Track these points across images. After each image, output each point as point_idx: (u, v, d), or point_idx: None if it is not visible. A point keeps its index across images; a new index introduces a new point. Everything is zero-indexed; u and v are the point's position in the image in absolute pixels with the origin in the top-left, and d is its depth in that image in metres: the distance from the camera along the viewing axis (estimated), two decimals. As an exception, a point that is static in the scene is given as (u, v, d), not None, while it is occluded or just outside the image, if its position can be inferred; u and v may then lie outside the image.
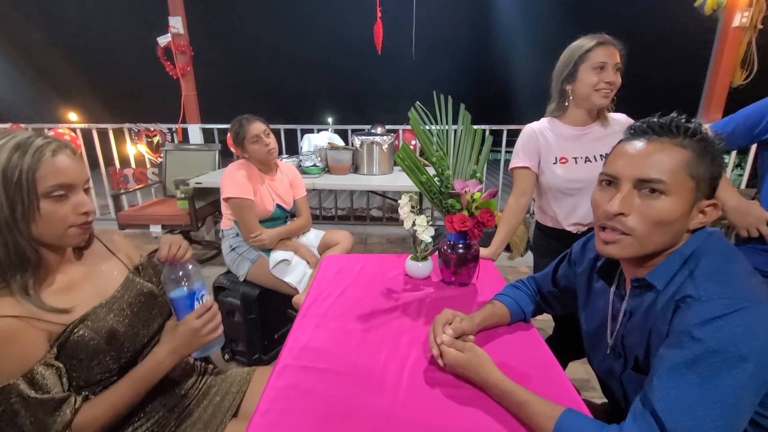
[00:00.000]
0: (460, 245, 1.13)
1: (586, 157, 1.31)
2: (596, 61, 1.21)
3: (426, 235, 1.16)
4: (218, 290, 1.84)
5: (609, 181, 0.70)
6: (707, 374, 0.55)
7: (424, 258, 1.22)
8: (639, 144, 0.67)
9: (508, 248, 3.42)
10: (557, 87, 1.34)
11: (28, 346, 0.67)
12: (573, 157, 1.31)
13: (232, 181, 1.71)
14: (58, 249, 0.77)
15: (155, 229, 3.46)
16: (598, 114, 1.34)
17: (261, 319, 1.79)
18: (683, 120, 0.67)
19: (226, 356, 1.91)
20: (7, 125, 3.58)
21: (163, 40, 3.24)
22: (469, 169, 1.12)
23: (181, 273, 0.82)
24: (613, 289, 0.80)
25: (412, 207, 1.15)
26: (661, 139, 0.66)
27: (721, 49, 3.04)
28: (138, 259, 0.94)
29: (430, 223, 1.17)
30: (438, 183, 1.11)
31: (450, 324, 0.83)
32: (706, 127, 0.70)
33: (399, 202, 1.16)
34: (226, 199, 1.72)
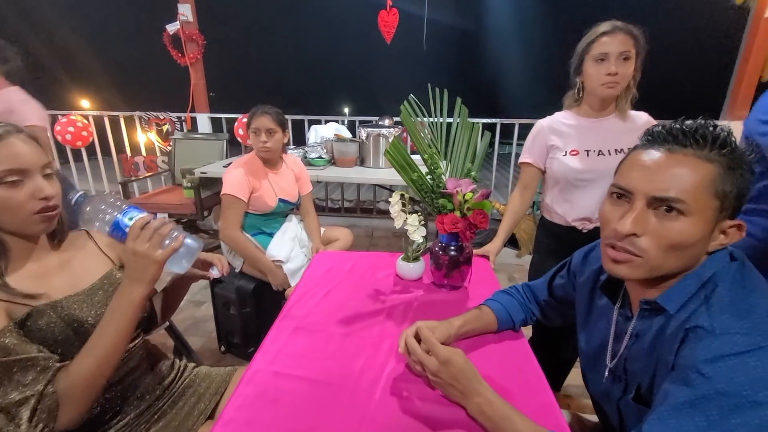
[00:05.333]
0: (452, 247, 1.07)
1: (599, 150, 1.26)
2: (597, 53, 1.16)
3: (417, 234, 1.11)
4: (215, 282, 1.83)
5: (620, 194, 0.62)
6: (716, 418, 0.49)
7: (416, 258, 1.17)
8: (657, 154, 0.59)
9: (516, 245, 3.34)
10: (572, 79, 1.31)
11: None
12: (585, 149, 1.27)
13: (232, 177, 1.68)
14: (29, 237, 0.76)
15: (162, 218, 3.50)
16: (616, 105, 1.27)
17: (256, 313, 1.78)
18: (711, 128, 0.57)
19: (222, 348, 1.91)
20: (23, 112, 3.64)
21: (171, 28, 3.22)
22: (464, 167, 1.06)
23: (96, 210, 0.74)
24: (617, 307, 0.73)
25: (404, 205, 1.10)
26: (684, 150, 0.57)
27: (751, 42, 2.86)
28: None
29: (422, 222, 1.12)
30: (430, 181, 1.05)
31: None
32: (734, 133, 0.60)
33: (390, 199, 1.11)
34: (222, 194, 1.70)
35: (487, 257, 1.34)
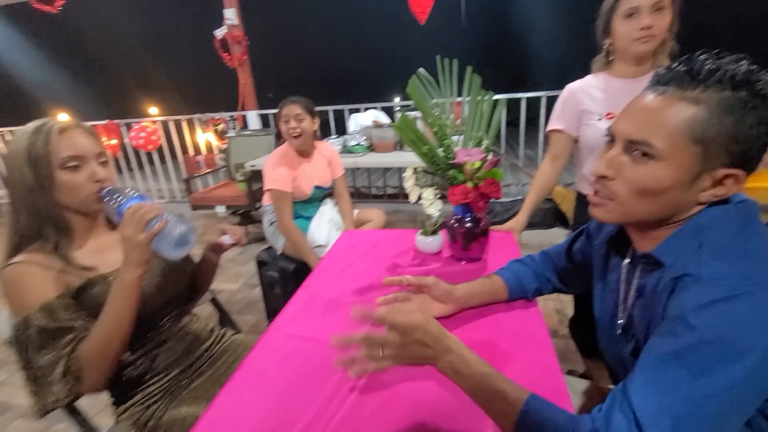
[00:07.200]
0: (467, 219, 1.07)
1: None
2: (626, 8, 1.07)
3: (433, 208, 1.12)
4: (260, 264, 1.98)
5: (611, 138, 0.62)
6: (699, 368, 0.47)
7: (434, 232, 1.18)
8: (649, 97, 0.57)
9: (566, 224, 3.16)
10: (599, 41, 1.23)
11: (46, 286, 0.77)
12: None
13: (273, 172, 1.80)
14: (88, 216, 0.89)
15: (220, 209, 3.81)
16: (654, 62, 1.18)
17: (298, 292, 1.90)
18: (711, 64, 0.52)
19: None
20: (105, 122, 4.14)
21: (219, 33, 3.45)
22: (476, 137, 1.05)
23: (113, 200, 0.81)
24: (626, 263, 0.71)
25: (417, 179, 1.12)
26: (676, 91, 0.54)
27: None
28: None
29: (438, 196, 1.13)
30: (442, 154, 1.05)
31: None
32: None
33: (404, 175, 1.13)
34: (267, 190, 1.83)
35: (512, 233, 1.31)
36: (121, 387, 0.92)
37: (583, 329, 1.48)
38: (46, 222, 0.83)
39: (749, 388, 0.46)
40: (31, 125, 0.82)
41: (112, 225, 0.97)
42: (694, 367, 0.47)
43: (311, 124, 1.84)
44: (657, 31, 1.07)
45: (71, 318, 0.78)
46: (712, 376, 0.46)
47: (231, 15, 3.43)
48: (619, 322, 0.71)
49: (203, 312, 1.21)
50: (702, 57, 0.54)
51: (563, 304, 2.13)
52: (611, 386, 0.90)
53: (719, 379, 0.45)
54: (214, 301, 1.30)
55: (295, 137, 1.80)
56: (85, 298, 0.82)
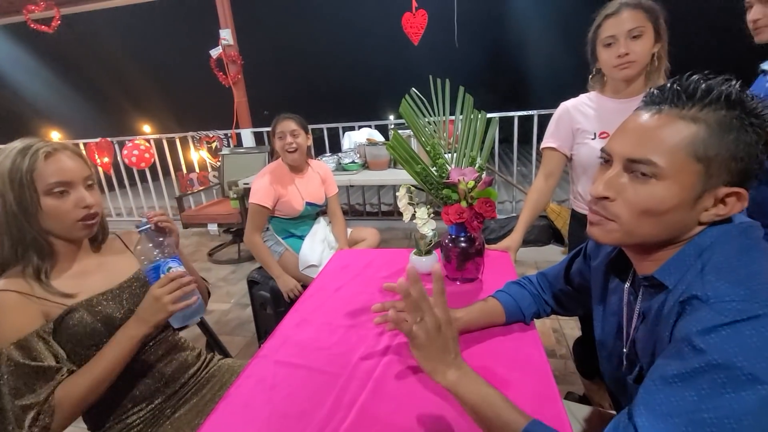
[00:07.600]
0: (462, 239, 1.05)
1: None
2: (605, 36, 1.11)
3: (427, 228, 1.10)
4: (251, 284, 1.93)
5: (606, 158, 0.60)
6: (707, 392, 0.44)
7: (428, 252, 1.16)
8: (645, 116, 0.56)
9: (562, 242, 3.16)
10: (591, 65, 1.26)
11: (25, 318, 0.74)
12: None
13: (258, 186, 1.78)
14: (72, 241, 0.85)
15: (212, 228, 3.76)
16: (647, 82, 1.18)
17: (290, 313, 1.85)
18: (704, 83, 0.52)
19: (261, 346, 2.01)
20: (97, 139, 4.11)
21: (215, 52, 3.48)
22: (469, 155, 1.04)
23: (149, 247, 0.84)
24: (627, 286, 0.69)
25: (410, 199, 1.10)
26: (673, 110, 0.53)
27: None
28: None
29: (432, 215, 1.11)
30: (435, 173, 1.04)
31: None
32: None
33: (397, 194, 1.12)
34: (249, 203, 1.80)
35: (507, 252, 1.29)
36: (99, 417, 0.87)
37: (590, 352, 1.44)
38: (29, 247, 0.79)
39: (762, 417, 0.43)
40: (15, 146, 0.78)
41: (96, 248, 0.94)
42: (703, 390, 0.45)
43: (306, 140, 1.84)
44: (636, 57, 1.08)
45: (49, 357, 0.74)
46: (722, 401, 0.44)
47: (226, 35, 3.46)
48: (624, 351, 0.69)
49: (191, 333, 1.17)
50: (694, 77, 0.54)
51: (561, 323, 2.09)
52: (613, 411, 0.87)
53: (729, 405, 0.43)
54: (202, 325, 1.25)
55: (291, 152, 1.80)
56: (66, 327, 0.79)
